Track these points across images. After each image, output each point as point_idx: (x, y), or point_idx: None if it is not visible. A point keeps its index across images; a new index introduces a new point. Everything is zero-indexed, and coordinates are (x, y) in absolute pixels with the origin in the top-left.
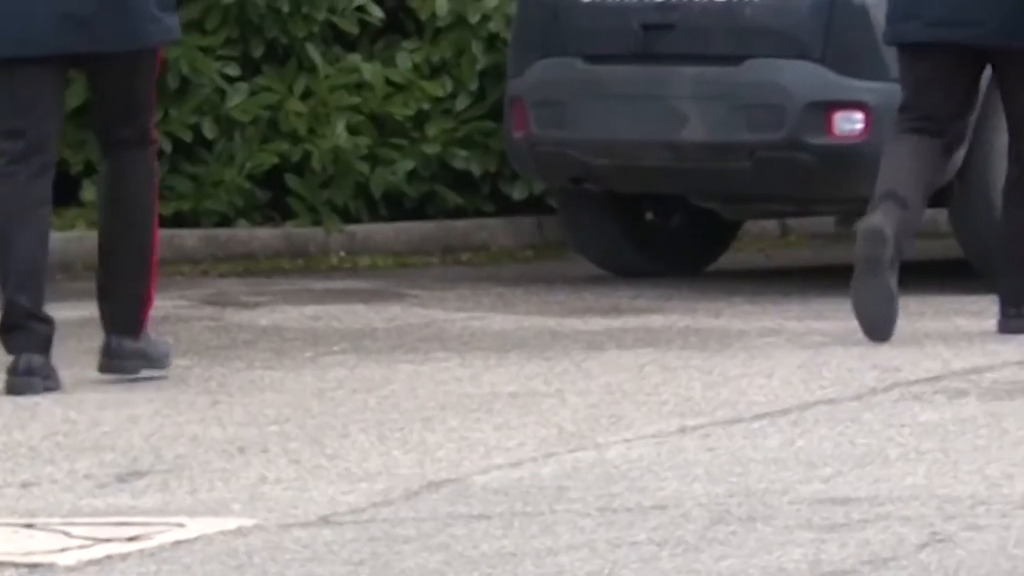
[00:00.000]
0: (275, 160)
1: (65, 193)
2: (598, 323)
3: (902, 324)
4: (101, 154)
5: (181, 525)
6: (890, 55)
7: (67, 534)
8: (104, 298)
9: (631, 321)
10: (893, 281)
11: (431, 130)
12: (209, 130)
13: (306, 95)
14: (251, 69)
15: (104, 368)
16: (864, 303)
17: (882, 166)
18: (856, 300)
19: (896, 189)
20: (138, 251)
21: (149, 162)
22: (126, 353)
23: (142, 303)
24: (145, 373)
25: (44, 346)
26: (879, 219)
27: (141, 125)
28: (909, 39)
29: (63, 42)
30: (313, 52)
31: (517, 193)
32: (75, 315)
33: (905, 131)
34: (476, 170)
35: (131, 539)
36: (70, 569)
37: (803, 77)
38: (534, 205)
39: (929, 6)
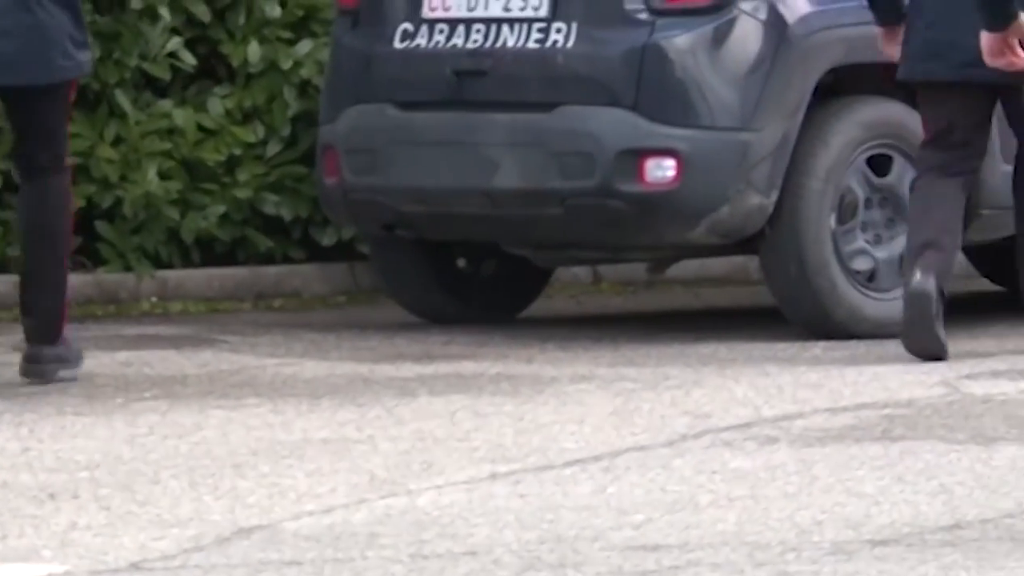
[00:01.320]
0: (84, 205)
1: None
2: (410, 369)
3: (711, 371)
4: (20, 179)
5: None
6: (702, 102)
7: None
8: (26, 313)
9: (443, 367)
10: (941, 330)
11: (242, 175)
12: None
13: (117, 141)
14: None
15: (25, 372)
16: (919, 353)
17: (911, 216)
18: (910, 350)
19: (930, 238)
20: (55, 267)
21: (64, 186)
22: (45, 358)
23: (60, 314)
24: (62, 374)
25: None
26: (920, 280)
27: (56, 152)
28: (938, 78)
29: None
30: (122, 98)
31: (327, 239)
32: None
33: (928, 169)
34: (287, 215)
35: None
36: None
37: (615, 124)
38: (346, 251)
39: (954, 48)
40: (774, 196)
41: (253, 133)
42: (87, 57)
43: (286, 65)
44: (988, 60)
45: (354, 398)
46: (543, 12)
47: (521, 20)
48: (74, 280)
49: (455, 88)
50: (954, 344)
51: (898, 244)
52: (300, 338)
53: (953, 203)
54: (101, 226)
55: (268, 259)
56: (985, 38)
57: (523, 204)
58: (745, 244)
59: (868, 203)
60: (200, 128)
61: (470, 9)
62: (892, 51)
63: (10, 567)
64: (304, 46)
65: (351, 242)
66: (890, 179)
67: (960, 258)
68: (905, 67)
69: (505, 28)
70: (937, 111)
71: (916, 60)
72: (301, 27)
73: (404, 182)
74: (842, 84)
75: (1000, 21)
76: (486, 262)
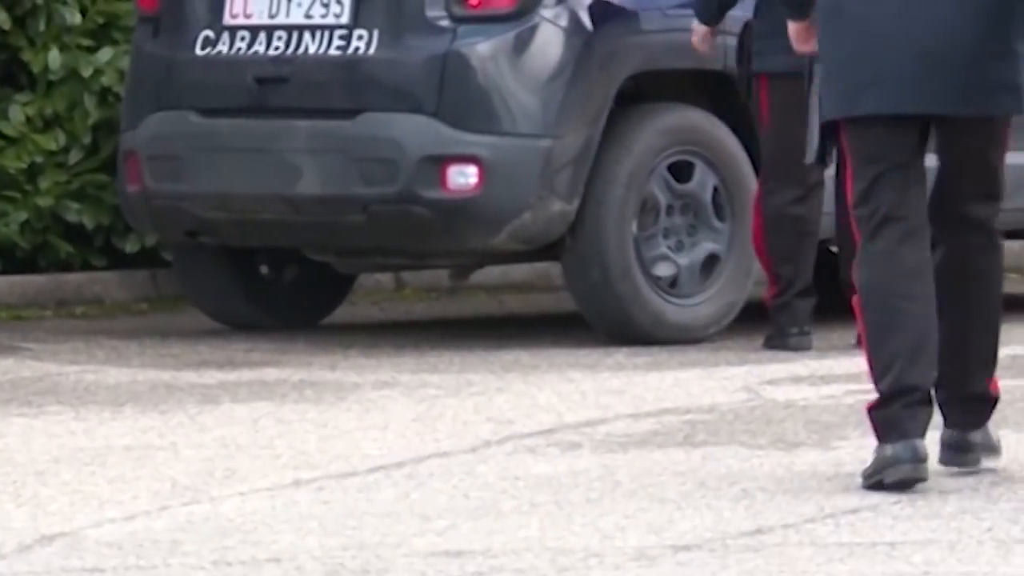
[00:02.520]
0: None
1: None
2: (213, 376)
3: (515, 377)
4: None
5: None
6: (503, 109)
7: None
8: None
9: (246, 374)
10: None
11: (44, 183)
12: None
13: None
14: None
15: None
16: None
17: None
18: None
19: None
20: None
21: None
22: None
23: None
24: None
25: None
26: None
27: None
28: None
29: None
30: None
31: (129, 247)
32: None
33: None
34: (89, 223)
35: None
36: None
37: (417, 131)
38: (148, 258)
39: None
40: (576, 202)
41: (54, 141)
42: None
43: (87, 72)
44: (796, 47)
45: (156, 405)
46: (345, 19)
47: (323, 27)
48: None
49: (257, 95)
50: (755, 349)
51: (699, 250)
52: (102, 345)
53: None
54: None
55: (69, 266)
56: (791, 27)
57: (325, 210)
58: (548, 250)
59: (670, 209)
60: (1, 136)
61: (271, 16)
62: (706, 49)
63: None
64: (105, 54)
65: (153, 249)
66: (691, 185)
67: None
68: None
69: (307, 35)
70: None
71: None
72: (102, 34)
73: (206, 189)
74: (643, 91)
75: (799, 13)
76: (288, 268)
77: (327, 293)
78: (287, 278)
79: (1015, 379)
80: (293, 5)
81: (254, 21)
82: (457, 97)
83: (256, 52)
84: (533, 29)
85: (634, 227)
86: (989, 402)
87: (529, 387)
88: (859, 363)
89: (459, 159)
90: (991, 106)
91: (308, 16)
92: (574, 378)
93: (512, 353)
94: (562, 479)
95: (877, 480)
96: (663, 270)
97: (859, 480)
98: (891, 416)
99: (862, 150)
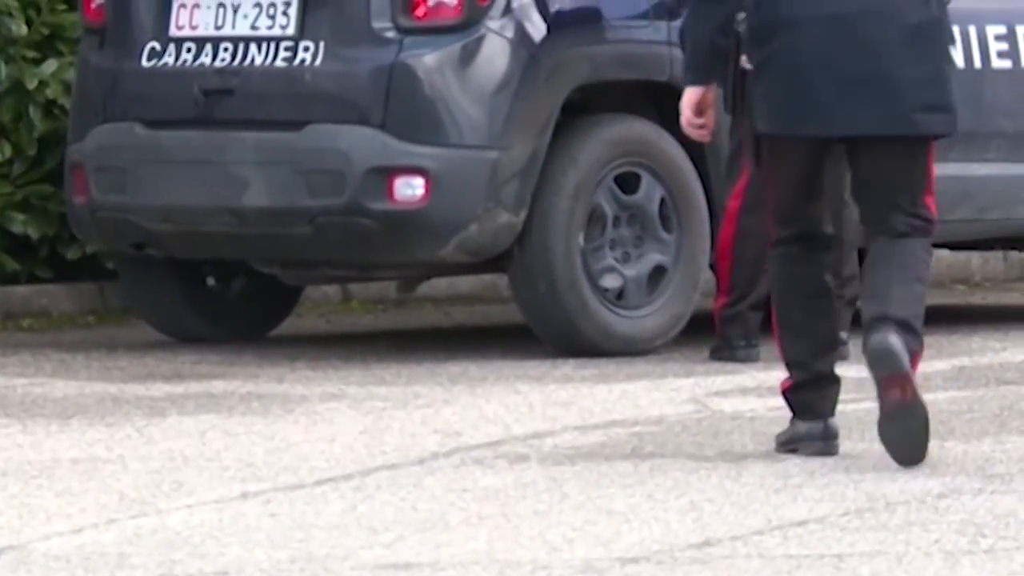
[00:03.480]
0: None
1: None
2: (160, 389)
3: (462, 389)
4: None
5: None
6: (450, 120)
7: None
8: None
9: (193, 387)
10: None
11: None
12: None
13: None
14: None
15: None
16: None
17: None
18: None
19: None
20: None
21: None
22: None
23: None
24: None
25: None
26: None
27: None
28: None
29: None
30: None
31: (71, 254)
32: None
33: None
34: (34, 234)
35: None
36: None
37: (363, 143)
38: (92, 267)
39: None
40: (523, 214)
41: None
42: None
43: (32, 84)
44: (685, 120)
45: (103, 417)
46: (291, 30)
47: (269, 39)
48: None
49: (203, 106)
50: (703, 361)
51: (646, 262)
52: (49, 358)
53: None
54: None
55: (15, 279)
56: (686, 95)
57: (272, 222)
58: (495, 262)
59: (617, 221)
60: None
61: (217, 27)
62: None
63: None
64: (50, 65)
65: (94, 256)
66: (638, 197)
67: (708, 275)
68: None
69: (253, 46)
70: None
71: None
72: (47, 46)
73: (152, 201)
74: (590, 102)
75: (698, 77)
76: (235, 281)
77: (274, 305)
78: (234, 290)
79: (960, 391)
80: (239, 17)
81: (200, 33)
82: (403, 109)
83: (202, 64)
84: (479, 40)
85: (581, 239)
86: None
87: (477, 399)
88: None
89: (406, 171)
90: (920, 127)
91: (254, 28)
92: (521, 390)
93: (460, 365)
94: (510, 491)
95: (791, 449)
96: (610, 282)
97: (806, 491)
98: (803, 398)
99: (779, 168)
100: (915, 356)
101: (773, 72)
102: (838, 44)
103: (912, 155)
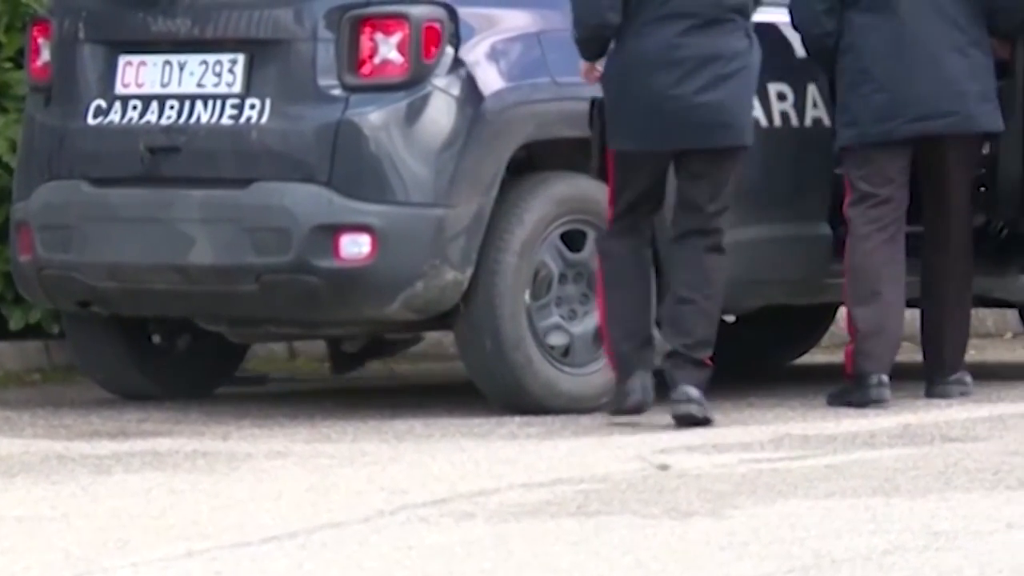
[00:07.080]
0: None
1: None
2: (105, 447)
3: (408, 447)
4: None
5: None
6: (396, 178)
7: None
8: None
9: (138, 444)
10: None
11: None
12: None
13: None
14: None
15: None
16: None
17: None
18: None
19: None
20: None
21: None
22: None
23: None
24: None
25: None
26: None
27: None
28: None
29: None
30: None
31: (14, 323)
32: None
33: (865, 225)
34: None
35: None
36: None
37: (309, 200)
38: (38, 329)
39: (909, 105)
40: (469, 271)
41: None
42: None
43: None
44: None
45: (48, 475)
46: (237, 88)
47: (215, 96)
48: None
49: (149, 164)
50: (649, 417)
51: (592, 319)
52: None
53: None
54: None
55: None
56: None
57: (218, 280)
58: (441, 319)
59: (563, 278)
60: None
61: (163, 85)
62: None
63: None
64: None
65: (39, 325)
66: (584, 254)
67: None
68: (857, 131)
69: (199, 104)
70: (886, 171)
71: (869, 123)
72: None
73: (98, 258)
74: (536, 160)
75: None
76: (181, 338)
77: (220, 362)
78: (180, 348)
79: (905, 447)
80: (185, 74)
81: (146, 90)
82: (349, 166)
83: (148, 121)
84: (425, 98)
85: (527, 296)
86: None
87: (422, 456)
88: (752, 432)
89: (352, 228)
90: (716, 140)
91: (200, 85)
92: (467, 447)
93: (406, 422)
94: (455, 549)
95: (616, 409)
96: (556, 339)
97: (752, 548)
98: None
99: (621, 176)
100: None
101: (617, 97)
102: (658, 73)
103: (722, 163)
